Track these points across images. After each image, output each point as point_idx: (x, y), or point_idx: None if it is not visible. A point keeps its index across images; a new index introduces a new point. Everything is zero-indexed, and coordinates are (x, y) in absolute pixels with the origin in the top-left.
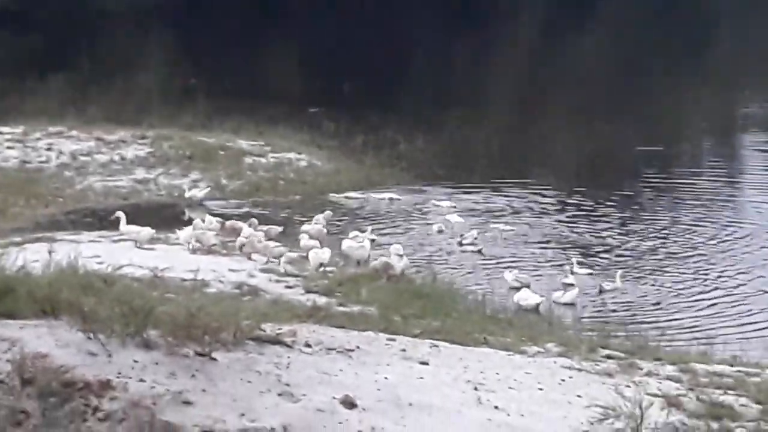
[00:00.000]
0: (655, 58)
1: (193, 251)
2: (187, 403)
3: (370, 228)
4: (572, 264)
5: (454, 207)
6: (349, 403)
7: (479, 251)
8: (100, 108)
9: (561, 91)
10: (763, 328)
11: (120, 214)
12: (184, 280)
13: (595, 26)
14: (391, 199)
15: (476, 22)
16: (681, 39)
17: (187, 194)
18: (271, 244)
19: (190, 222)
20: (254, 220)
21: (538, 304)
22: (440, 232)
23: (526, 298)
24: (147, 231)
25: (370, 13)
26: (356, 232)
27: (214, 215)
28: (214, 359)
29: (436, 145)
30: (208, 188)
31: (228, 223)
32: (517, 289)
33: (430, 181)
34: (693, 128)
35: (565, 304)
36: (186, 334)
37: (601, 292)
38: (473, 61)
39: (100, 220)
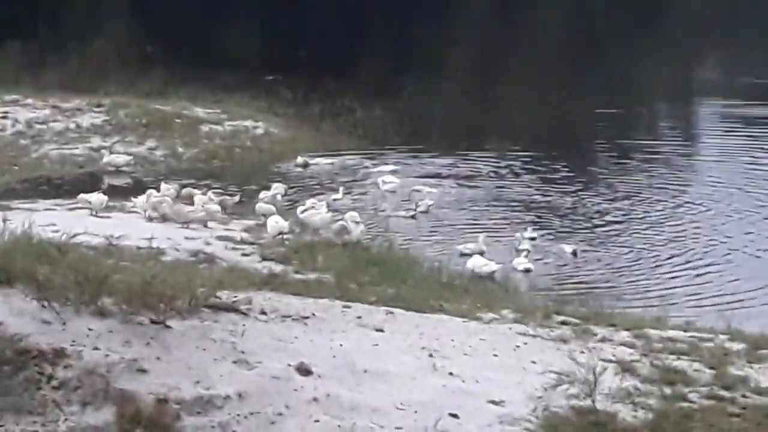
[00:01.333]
0: (613, 26)
1: (149, 219)
2: (142, 371)
3: (341, 189)
4: (527, 230)
5: (396, 172)
6: (305, 370)
7: (412, 217)
8: (56, 76)
9: (519, 58)
10: (717, 294)
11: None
12: (140, 248)
13: None
14: (331, 164)
15: None
16: (639, 6)
17: (105, 159)
18: (187, 208)
19: (108, 188)
20: (211, 194)
21: (493, 272)
22: (392, 192)
23: (482, 265)
24: (99, 197)
25: None
26: (313, 200)
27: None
28: (169, 327)
29: (393, 113)
30: (130, 156)
31: (184, 190)
32: (470, 256)
33: (386, 148)
34: (651, 93)
35: (521, 270)
36: (141, 302)
37: (575, 255)
38: (432, 29)
39: (56, 188)
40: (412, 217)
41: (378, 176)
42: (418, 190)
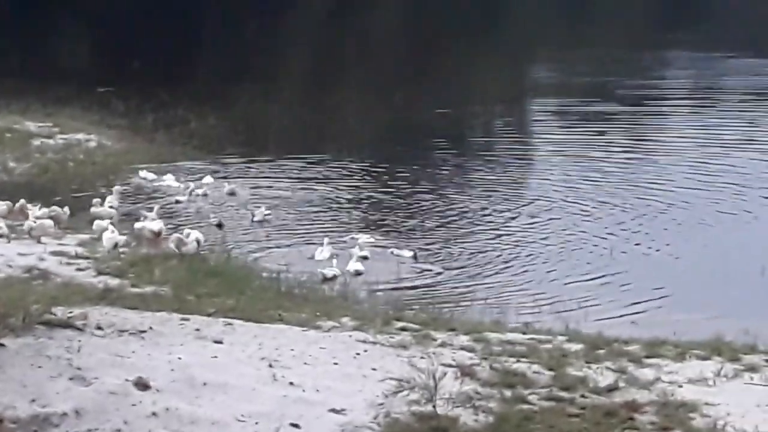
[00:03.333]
0: (449, 29)
1: None
2: None
3: (188, 190)
4: (357, 235)
5: (210, 182)
6: (143, 385)
7: (218, 225)
8: None
9: (355, 65)
10: (555, 295)
11: None
12: None
13: (389, 1)
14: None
15: None
16: (474, 9)
17: None
18: (47, 224)
19: None
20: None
21: (334, 276)
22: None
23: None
24: None
25: None
26: (148, 213)
27: None
28: (2, 345)
29: (228, 122)
30: None
31: (17, 205)
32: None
33: (220, 157)
34: (488, 93)
35: (353, 272)
36: None
37: (415, 258)
38: (265, 37)
39: None
40: (218, 225)
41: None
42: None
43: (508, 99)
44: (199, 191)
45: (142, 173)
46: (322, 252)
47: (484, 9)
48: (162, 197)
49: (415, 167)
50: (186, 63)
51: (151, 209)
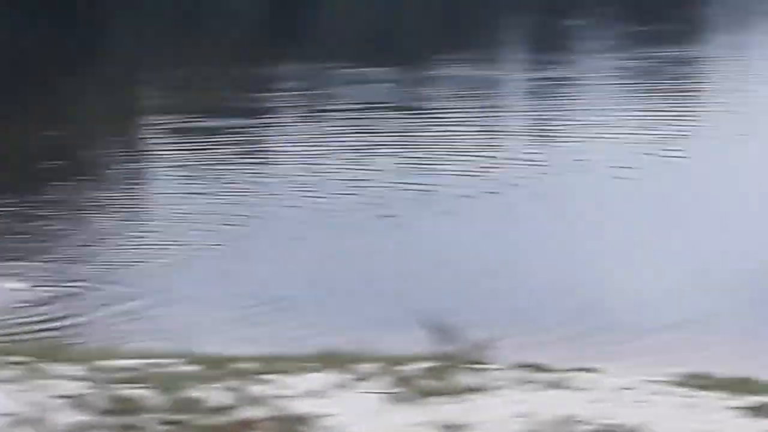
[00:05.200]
0: (48, 55)
1: None
2: None
3: None
4: None
5: None
6: None
7: None
8: None
9: None
10: (174, 315)
11: None
12: None
13: None
14: None
15: None
16: (72, 41)
17: None
18: None
19: None
20: None
21: None
22: None
23: None
24: None
25: None
26: None
27: None
28: None
29: None
30: None
31: None
32: None
33: None
34: (93, 118)
35: None
36: None
37: (27, 289)
38: None
39: None
40: None
41: None
42: None
43: (115, 120)
44: None
45: None
46: None
47: (81, 40)
48: None
49: (19, 194)
50: None
51: None
